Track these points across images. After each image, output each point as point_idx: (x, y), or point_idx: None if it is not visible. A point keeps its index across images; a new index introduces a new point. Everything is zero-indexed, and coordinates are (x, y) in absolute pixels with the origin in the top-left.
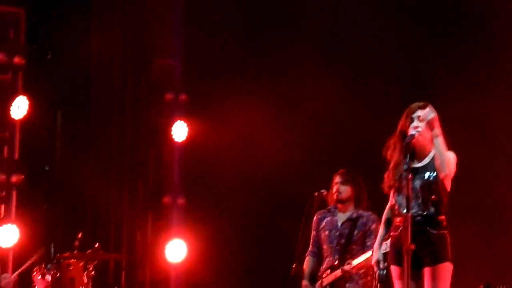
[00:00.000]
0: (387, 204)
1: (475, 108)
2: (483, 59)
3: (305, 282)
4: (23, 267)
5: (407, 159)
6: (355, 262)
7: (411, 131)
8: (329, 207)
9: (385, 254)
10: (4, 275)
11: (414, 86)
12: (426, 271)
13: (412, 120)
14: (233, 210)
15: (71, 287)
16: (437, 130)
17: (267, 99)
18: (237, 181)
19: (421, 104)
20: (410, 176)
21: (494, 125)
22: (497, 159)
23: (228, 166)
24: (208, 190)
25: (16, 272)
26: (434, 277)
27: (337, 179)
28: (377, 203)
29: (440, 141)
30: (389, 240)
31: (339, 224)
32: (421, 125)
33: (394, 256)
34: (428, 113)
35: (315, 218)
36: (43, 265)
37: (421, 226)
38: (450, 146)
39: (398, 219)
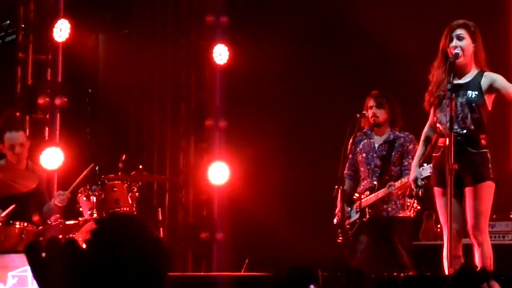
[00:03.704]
0: (424, 123)
1: None
2: None
3: (338, 206)
4: (74, 184)
5: (451, 78)
6: (398, 184)
7: (453, 50)
8: (365, 130)
9: (423, 180)
10: (59, 192)
11: None
12: (468, 190)
13: (452, 39)
14: (275, 131)
15: (115, 208)
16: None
17: (311, 19)
18: (278, 103)
19: (461, 22)
20: (453, 95)
21: None
22: None
23: (269, 88)
24: (250, 113)
25: (69, 190)
26: (476, 197)
27: (371, 102)
28: (412, 123)
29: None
30: (427, 165)
31: (376, 146)
32: (460, 44)
33: (437, 177)
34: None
35: (350, 141)
36: (88, 187)
37: (462, 146)
38: (488, 62)
39: (440, 139)
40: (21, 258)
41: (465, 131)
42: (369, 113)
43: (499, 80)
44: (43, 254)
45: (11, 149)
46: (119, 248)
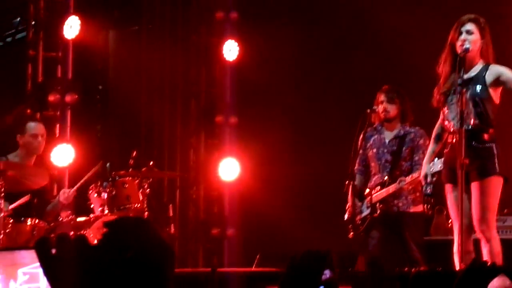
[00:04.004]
0: (434, 118)
1: None
2: None
3: (349, 202)
4: (80, 182)
5: (461, 73)
6: (408, 179)
7: (462, 45)
8: (375, 125)
9: (434, 175)
10: (64, 190)
11: None
12: (474, 185)
13: (461, 33)
14: (285, 127)
15: (126, 205)
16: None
17: (321, 15)
18: (289, 99)
19: (471, 16)
20: (463, 90)
21: None
22: None
23: (279, 84)
24: (260, 109)
25: (75, 187)
26: (482, 192)
27: (382, 97)
28: (422, 119)
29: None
30: (437, 160)
31: (387, 141)
32: (469, 38)
33: (447, 173)
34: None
35: (361, 136)
36: (99, 183)
37: (467, 140)
38: (496, 56)
39: (449, 135)
40: (31, 254)
41: (470, 126)
42: (380, 108)
43: (506, 73)
44: (53, 251)
45: (34, 138)
46: (130, 250)
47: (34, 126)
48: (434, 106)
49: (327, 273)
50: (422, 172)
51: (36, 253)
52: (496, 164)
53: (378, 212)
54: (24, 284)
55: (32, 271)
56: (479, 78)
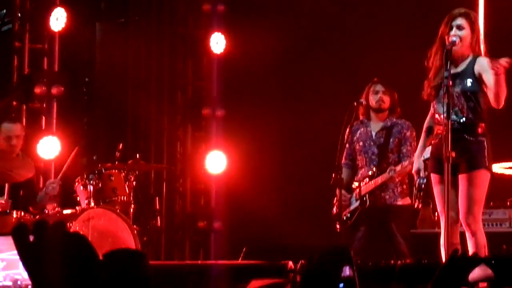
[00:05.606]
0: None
1: None
2: None
3: (343, 191)
4: (62, 171)
5: (448, 66)
6: (398, 168)
7: (451, 38)
8: (362, 118)
9: (425, 162)
10: (50, 180)
11: None
12: (462, 177)
13: (451, 28)
14: (272, 120)
15: (113, 197)
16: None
17: (308, 8)
18: (276, 91)
19: (462, 11)
20: (450, 83)
21: None
22: None
23: (266, 76)
24: (247, 101)
25: (59, 177)
26: (470, 184)
27: (378, 87)
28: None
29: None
30: (430, 147)
31: (374, 134)
32: (460, 33)
33: (434, 164)
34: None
35: (347, 130)
36: (85, 176)
37: (459, 133)
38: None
39: (438, 127)
40: (9, 241)
41: (463, 119)
42: (374, 97)
43: (488, 74)
44: (31, 238)
45: (7, 140)
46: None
47: (9, 128)
48: (424, 99)
49: (346, 270)
50: (415, 167)
51: (13, 240)
52: (486, 158)
53: (368, 203)
54: (2, 271)
55: (9, 257)
56: (469, 71)
